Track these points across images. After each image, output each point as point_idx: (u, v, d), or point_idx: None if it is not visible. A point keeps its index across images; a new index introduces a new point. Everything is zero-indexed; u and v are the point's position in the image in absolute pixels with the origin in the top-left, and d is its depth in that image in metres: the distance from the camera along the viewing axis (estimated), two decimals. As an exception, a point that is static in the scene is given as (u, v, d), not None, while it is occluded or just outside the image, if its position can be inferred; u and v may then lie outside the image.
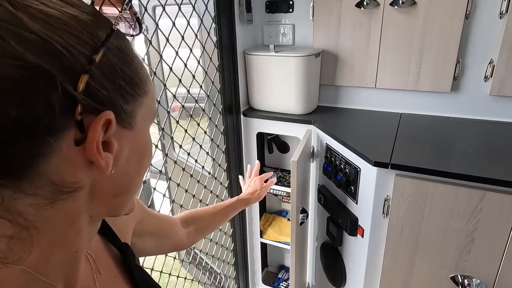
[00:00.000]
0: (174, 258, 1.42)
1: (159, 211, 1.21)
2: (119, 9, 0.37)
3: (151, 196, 1.22)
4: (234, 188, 1.66)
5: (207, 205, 1.48)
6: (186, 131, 1.24)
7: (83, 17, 0.30)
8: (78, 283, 0.39)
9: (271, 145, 1.80)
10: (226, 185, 1.62)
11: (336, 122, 1.44)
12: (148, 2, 0.99)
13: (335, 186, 1.33)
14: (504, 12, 1.20)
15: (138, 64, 0.35)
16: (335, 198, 1.35)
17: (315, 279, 1.69)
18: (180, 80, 1.17)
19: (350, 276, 1.36)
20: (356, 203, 1.21)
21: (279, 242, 1.81)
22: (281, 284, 2.01)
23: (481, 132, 1.28)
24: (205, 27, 1.29)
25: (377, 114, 1.49)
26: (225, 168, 1.58)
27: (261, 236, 1.84)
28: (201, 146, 1.36)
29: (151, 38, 1.07)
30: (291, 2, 1.52)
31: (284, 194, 1.77)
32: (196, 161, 1.33)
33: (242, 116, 1.58)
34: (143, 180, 0.43)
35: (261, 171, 1.73)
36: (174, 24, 1.10)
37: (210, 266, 1.83)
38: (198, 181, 1.37)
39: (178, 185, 1.25)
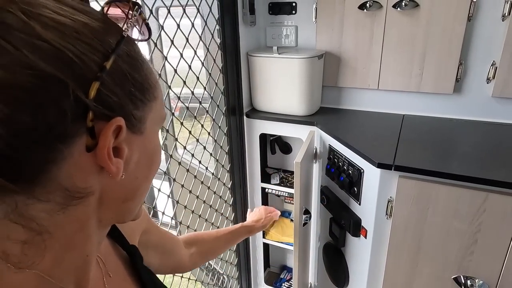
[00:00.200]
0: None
1: (163, 213, 1.22)
2: (128, 13, 0.38)
3: (155, 199, 1.22)
4: (237, 190, 1.67)
5: (210, 206, 1.49)
6: (190, 132, 1.25)
7: (93, 24, 0.30)
8: (89, 286, 0.39)
9: (274, 146, 1.80)
10: (229, 186, 1.63)
11: (339, 124, 1.44)
12: (154, 3, 1.00)
13: (338, 187, 1.33)
14: (506, 14, 1.20)
15: (147, 69, 0.35)
16: (338, 199, 1.35)
17: (317, 279, 1.69)
18: (184, 82, 1.18)
19: (353, 276, 1.36)
20: (359, 204, 1.22)
21: (282, 242, 1.81)
22: (283, 284, 2.01)
23: (483, 134, 1.28)
24: (209, 29, 1.30)
25: (379, 116, 1.50)
26: (228, 169, 1.59)
27: (263, 237, 1.85)
28: (205, 148, 1.37)
29: (156, 40, 1.08)
30: (294, 4, 1.52)
31: (287, 195, 1.78)
32: (200, 162, 1.34)
33: (245, 117, 1.58)
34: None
35: (263, 172, 1.75)
36: (179, 26, 1.10)
37: (213, 267, 1.84)
38: (202, 182, 1.38)
39: (183, 186, 1.25)
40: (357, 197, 1.22)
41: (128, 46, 0.33)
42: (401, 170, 1.03)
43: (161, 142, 1.27)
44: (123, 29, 0.34)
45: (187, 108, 1.21)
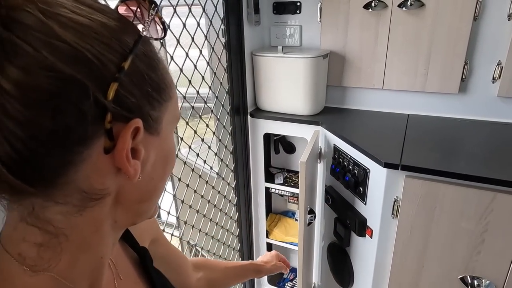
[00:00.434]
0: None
1: (168, 212, 1.22)
2: (143, 11, 0.38)
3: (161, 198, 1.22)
4: (241, 189, 1.67)
5: (215, 205, 1.48)
6: (195, 132, 1.25)
7: (111, 23, 0.30)
8: (102, 287, 0.39)
9: (278, 145, 1.80)
10: (233, 185, 1.62)
11: (344, 123, 1.44)
12: (160, 2, 1.00)
13: (343, 187, 1.33)
14: (512, 14, 1.20)
15: (163, 69, 0.34)
16: (343, 199, 1.35)
17: (321, 279, 1.69)
18: (190, 81, 1.18)
19: (358, 276, 1.36)
20: (365, 204, 1.21)
21: (285, 242, 1.81)
22: (286, 284, 2.01)
23: (489, 134, 1.28)
24: (214, 28, 1.30)
25: (384, 115, 1.50)
26: (232, 168, 1.58)
27: (267, 237, 1.85)
28: (209, 147, 1.37)
29: (162, 39, 1.08)
30: (298, 4, 1.52)
31: (290, 195, 1.78)
32: (204, 161, 1.34)
33: (249, 117, 1.58)
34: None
35: (267, 172, 1.75)
36: (184, 25, 1.10)
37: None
38: (207, 182, 1.38)
39: (188, 185, 1.25)
40: (363, 196, 1.22)
41: (145, 46, 0.32)
42: (408, 169, 1.03)
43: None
44: (141, 28, 0.33)
45: (192, 107, 1.21)
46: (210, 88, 1.32)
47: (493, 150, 1.15)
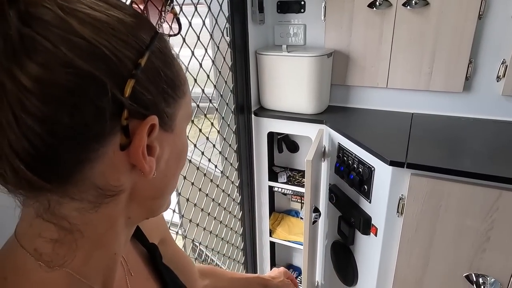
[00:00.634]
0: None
1: (173, 210, 1.22)
2: (161, 9, 0.38)
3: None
4: (244, 188, 1.67)
5: (219, 204, 1.49)
6: (200, 130, 1.25)
7: (127, 19, 0.29)
8: (114, 284, 0.39)
9: (281, 144, 1.81)
10: (237, 184, 1.63)
11: (348, 122, 1.45)
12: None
13: (347, 186, 1.33)
14: (517, 12, 1.20)
15: (177, 65, 0.35)
16: (347, 197, 1.36)
17: (324, 278, 1.69)
18: (195, 80, 1.18)
19: (362, 274, 1.36)
20: (370, 202, 1.22)
21: (288, 241, 1.81)
22: (289, 283, 2.01)
23: (494, 132, 1.28)
24: (219, 27, 1.30)
25: (388, 114, 1.50)
26: (236, 167, 1.59)
27: (270, 235, 1.85)
28: (214, 146, 1.37)
29: (168, 38, 1.08)
30: (302, 3, 1.52)
31: (293, 194, 1.78)
32: (209, 160, 1.34)
33: (253, 115, 1.58)
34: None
35: (270, 170, 1.75)
36: (190, 24, 1.11)
37: (220, 266, 1.84)
38: (211, 180, 1.38)
39: (193, 184, 1.26)
40: (368, 195, 1.22)
41: (161, 42, 0.32)
42: (414, 168, 1.03)
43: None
44: (157, 25, 0.33)
45: (198, 105, 1.22)
46: (215, 86, 1.33)
47: (498, 148, 1.15)
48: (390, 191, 1.11)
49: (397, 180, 1.09)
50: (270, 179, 1.72)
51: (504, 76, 1.28)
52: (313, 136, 1.43)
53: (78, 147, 0.27)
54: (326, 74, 1.50)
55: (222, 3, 1.29)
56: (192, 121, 1.20)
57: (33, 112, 0.24)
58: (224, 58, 1.36)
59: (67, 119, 0.25)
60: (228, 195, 1.57)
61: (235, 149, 1.55)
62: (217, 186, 1.44)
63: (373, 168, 1.17)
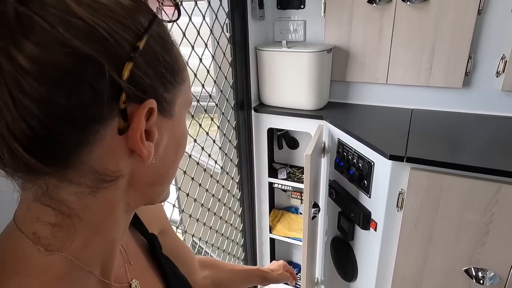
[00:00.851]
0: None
1: (173, 205, 1.22)
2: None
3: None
4: (244, 184, 1.67)
5: (219, 200, 1.49)
6: (200, 125, 1.25)
7: (125, 2, 0.29)
8: (113, 270, 0.40)
9: (281, 141, 1.81)
10: (237, 180, 1.63)
11: (348, 118, 1.45)
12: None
13: (347, 181, 1.34)
14: (517, 7, 1.20)
15: (176, 51, 0.34)
16: (347, 193, 1.36)
17: (324, 274, 1.70)
18: (195, 75, 1.18)
19: (362, 270, 1.37)
20: (369, 197, 1.22)
21: (288, 237, 1.82)
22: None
23: (493, 128, 1.29)
24: (219, 23, 1.30)
25: (388, 110, 1.50)
26: (236, 163, 1.59)
27: (270, 232, 1.85)
28: (214, 141, 1.37)
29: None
30: (302, -1, 1.53)
31: (293, 190, 1.78)
32: (209, 155, 1.34)
33: (253, 111, 1.59)
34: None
35: (270, 167, 1.75)
36: (190, 19, 1.11)
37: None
38: (211, 176, 1.39)
39: (192, 179, 1.26)
40: (367, 190, 1.22)
41: (159, 27, 0.32)
42: (413, 162, 1.03)
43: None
44: (155, 8, 0.33)
45: (198, 101, 1.22)
46: (215, 82, 1.33)
47: (497, 143, 1.15)
48: (389, 185, 1.11)
49: (396, 175, 1.09)
50: (270, 176, 1.72)
51: (503, 72, 1.28)
52: (313, 132, 1.43)
53: (75, 129, 0.27)
54: (326, 70, 1.50)
55: (222, -1, 1.29)
56: (192, 116, 1.21)
57: (30, 93, 0.24)
58: (224, 54, 1.36)
59: (64, 101, 0.25)
60: (228, 191, 1.57)
61: (235, 145, 1.55)
62: (217, 182, 1.45)
63: (372, 163, 1.17)
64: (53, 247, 0.32)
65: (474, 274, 1.06)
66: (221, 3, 1.29)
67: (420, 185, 1.05)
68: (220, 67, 1.36)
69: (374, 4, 1.38)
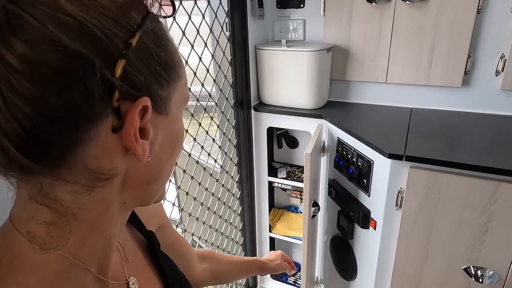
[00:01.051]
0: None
1: (173, 204, 1.22)
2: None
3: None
4: (244, 183, 1.67)
5: (219, 199, 1.49)
6: (200, 124, 1.26)
7: None
8: (110, 268, 0.40)
9: (280, 140, 1.81)
10: (237, 179, 1.63)
11: (347, 117, 1.45)
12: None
13: (346, 180, 1.34)
14: (516, 6, 1.21)
15: (172, 47, 0.34)
16: (346, 192, 1.36)
17: (324, 273, 1.70)
18: (195, 74, 1.18)
19: (361, 268, 1.37)
20: (369, 196, 1.22)
21: (288, 236, 1.82)
22: (288, 278, 2.02)
23: (493, 126, 1.29)
24: (219, 22, 1.31)
25: (387, 109, 1.51)
26: (236, 162, 1.59)
27: (270, 231, 1.86)
28: (213, 140, 1.37)
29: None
30: (302, -2, 1.53)
31: (293, 189, 1.79)
32: (209, 154, 1.34)
33: (252, 110, 1.59)
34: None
35: (270, 166, 1.76)
36: (190, 18, 1.11)
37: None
38: (211, 175, 1.39)
39: (192, 177, 1.26)
40: (366, 188, 1.22)
41: (154, 23, 0.31)
42: (412, 160, 1.03)
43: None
44: (148, 4, 0.32)
45: (197, 100, 1.22)
46: (214, 81, 1.33)
47: (496, 142, 1.16)
48: (389, 184, 1.11)
49: (396, 173, 1.09)
50: (269, 175, 1.73)
51: (503, 71, 1.29)
52: (312, 131, 1.43)
53: (68, 128, 0.26)
54: (325, 69, 1.50)
55: (221, -2, 1.29)
56: (192, 115, 1.21)
57: (21, 92, 0.24)
58: (223, 53, 1.36)
59: (55, 100, 0.25)
60: (228, 190, 1.57)
61: (234, 144, 1.55)
62: (217, 180, 1.45)
63: (372, 162, 1.17)
64: (48, 246, 0.31)
65: (473, 272, 1.06)
66: (220, 2, 1.29)
67: (419, 184, 1.05)
68: (219, 66, 1.36)
69: (374, 3, 1.38)
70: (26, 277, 0.31)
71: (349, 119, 1.42)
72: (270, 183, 1.76)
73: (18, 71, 0.23)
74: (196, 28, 1.15)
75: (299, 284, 1.98)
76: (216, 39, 1.32)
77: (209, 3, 1.23)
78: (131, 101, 0.29)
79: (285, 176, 1.74)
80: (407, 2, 1.33)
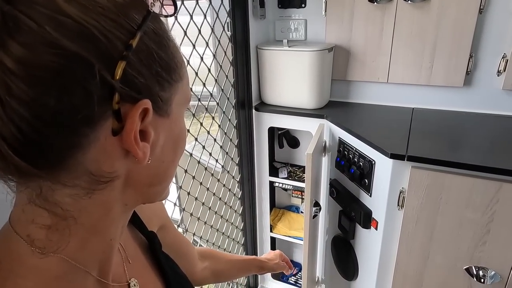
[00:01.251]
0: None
1: (174, 203, 1.23)
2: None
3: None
4: (245, 183, 1.67)
5: (220, 198, 1.49)
6: (201, 124, 1.26)
7: None
8: (111, 270, 0.39)
9: (282, 140, 1.81)
10: (238, 179, 1.63)
11: (349, 117, 1.45)
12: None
13: (347, 180, 1.34)
14: (518, 6, 1.20)
15: (173, 48, 0.33)
16: (347, 192, 1.36)
17: (325, 273, 1.70)
18: (196, 74, 1.18)
19: (362, 268, 1.37)
20: (370, 196, 1.22)
21: (289, 236, 1.82)
22: (289, 278, 2.02)
23: (494, 127, 1.29)
24: (220, 22, 1.30)
25: (389, 109, 1.50)
26: (237, 162, 1.59)
27: (271, 231, 1.85)
28: (215, 140, 1.38)
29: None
30: (303, -3, 1.53)
31: (294, 189, 1.78)
32: (210, 154, 1.34)
33: (254, 110, 1.59)
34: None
35: (271, 166, 1.76)
36: (191, 17, 1.11)
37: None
38: (212, 174, 1.39)
39: (194, 177, 1.26)
40: (368, 188, 1.22)
41: (155, 23, 0.31)
42: (414, 160, 1.03)
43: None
44: (149, 4, 0.31)
45: (199, 99, 1.22)
46: (216, 80, 1.33)
47: (498, 142, 1.15)
48: (390, 184, 1.11)
49: (397, 173, 1.09)
50: (270, 174, 1.72)
51: (504, 71, 1.28)
52: (313, 131, 1.43)
53: (67, 131, 0.26)
54: (326, 69, 1.50)
55: (223, -3, 1.29)
56: (193, 115, 1.21)
57: (18, 95, 0.23)
58: (225, 53, 1.36)
59: (53, 103, 0.24)
60: (229, 190, 1.57)
61: (236, 144, 1.55)
62: (218, 180, 1.45)
63: (373, 162, 1.17)
64: (48, 249, 0.31)
65: (475, 272, 1.06)
66: (222, 2, 1.29)
67: (421, 184, 1.05)
68: (221, 66, 1.36)
69: (375, 3, 1.38)
70: (26, 280, 0.31)
71: (351, 119, 1.42)
72: (271, 183, 1.76)
73: (15, 74, 0.23)
74: (197, 28, 1.15)
75: (300, 284, 1.98)
76: (217, 39, 1.32)
77: (210, 2, 1.23)
78: (131, 103, 0.29)
79: (286, 176, 1.74)
80: (409, 2, 1.33)
